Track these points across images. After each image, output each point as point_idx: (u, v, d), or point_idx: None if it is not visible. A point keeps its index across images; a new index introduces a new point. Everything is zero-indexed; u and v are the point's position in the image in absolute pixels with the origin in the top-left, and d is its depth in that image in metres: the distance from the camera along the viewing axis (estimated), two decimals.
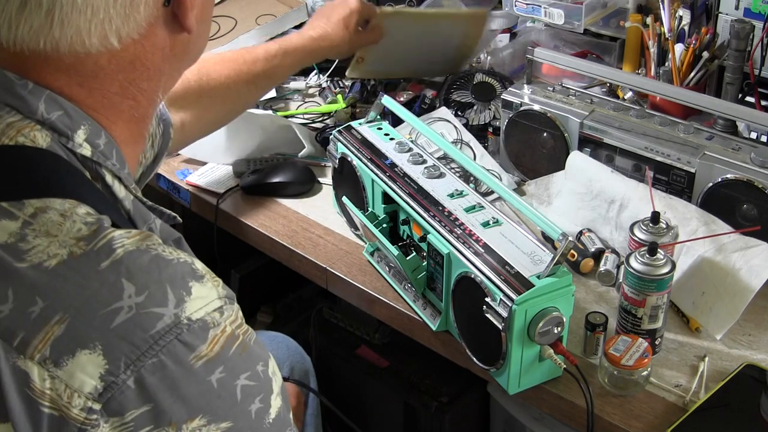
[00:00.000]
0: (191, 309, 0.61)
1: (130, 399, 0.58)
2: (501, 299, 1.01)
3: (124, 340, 0.58)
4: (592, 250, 1.28)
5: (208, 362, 0.61)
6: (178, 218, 0.83)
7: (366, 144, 1.32)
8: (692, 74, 1.51)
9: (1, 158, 0.66)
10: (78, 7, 0.66)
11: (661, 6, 1.55)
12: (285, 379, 1.30)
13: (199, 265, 0.66)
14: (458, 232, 1.11)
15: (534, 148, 1.46)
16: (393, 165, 1.26)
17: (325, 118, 1.75)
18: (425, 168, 1.23)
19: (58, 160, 0.67)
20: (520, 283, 1.01)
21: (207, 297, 0.63)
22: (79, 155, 0.70)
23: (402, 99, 1.72)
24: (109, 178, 0.72)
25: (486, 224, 1.12)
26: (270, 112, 1.75)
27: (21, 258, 0.60)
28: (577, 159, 1.36)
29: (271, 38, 1.88)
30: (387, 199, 1.26)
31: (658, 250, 1.08)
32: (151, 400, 0.59)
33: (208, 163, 1.61)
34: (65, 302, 0.59)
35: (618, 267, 1.24)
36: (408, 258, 1.19)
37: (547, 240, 1.24)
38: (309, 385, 1.42)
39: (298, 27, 1.91)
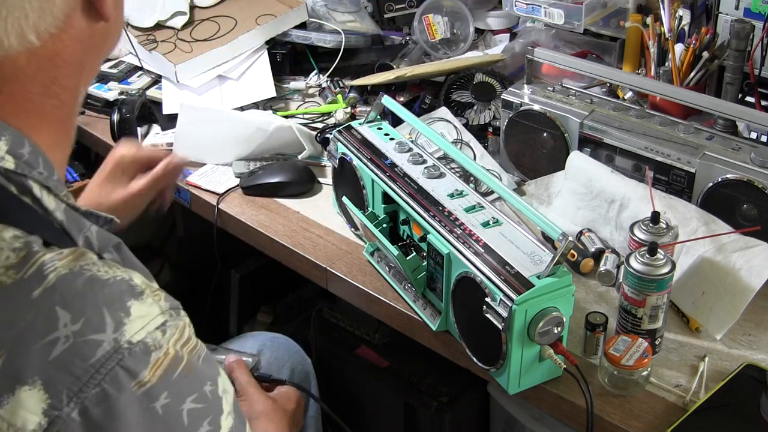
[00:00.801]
0: (131, 331, 0.59)
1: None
2: (501, 299, 1.01)
3: (64, 372, 0.56)
4: (592, 250, 1.28)
5: (152, 388, 0.59)
6: (116, 219, 0.78)
7: (366, 144, 1.32)
8: (692, 74, 1.51)
9: None
10: None
11: (661, 6, 1.55)
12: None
13: (138, 279, 0.63)
14: (458, 232, 1.11)
15: (534, 148, 1.46)
16: (393, 165, 1.26)
17: (325, 118, 1.75)
18: (425, 168, 1.23)
19: None
20: (520, 283, 1.01)
21: (147, 315, 0.61)
22: (2, 169, 0.65)
23: (402, 99, 1.72)
24: (36, 189, 0.67)
25: (486, 224, 1.12)
26: (270, 112, 1.75)
27: None
28: (577, 159, 1.36)
29: (272, 38, 1.89)
30: (387, 199, 1.26)
31: (658, 250, 1.08)
32: (97, 430, 0.57)
33: (208, 163, 1.61)
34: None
35: (618, 267, 1.24)
36: (408, 258, 1.19)
37: (547, 240, 1.24)
38: (309, 389, 1.42)
39: (299, 27, 1.91)
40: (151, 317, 0.61)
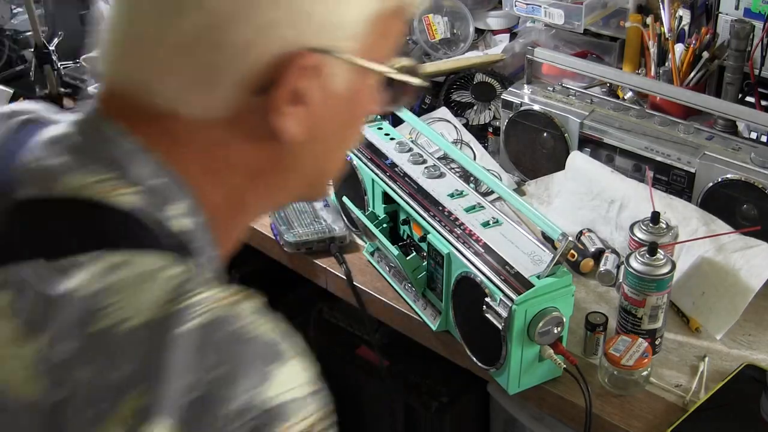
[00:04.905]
0: (275, 389, 0.55)
1: None
2: (501, 299, 1.01)
3: (198, 417, 0.53)
4: (592, 250, 1.28)
5: None
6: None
7: (366, 144, 1.32)
8: (692, 74, 1.51)
9: (81, 211, 0.59)
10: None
11: (661, 6, 1.55)
12: None
13: (285, 345, 0.58)
14: (458, 232, 1.11)
15: (534, 148, 1.46)
16: (393, 165, 1.26)
17: None
18: (425, 168, 1.23)
19: (143, 225, 0.60)
20: (520, 283, 1.01)
21: (289, 383, 0.56)
22: (167, 229, 0.61)
23: None
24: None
25: (486, 224, 1.12)
26: None
27: (95, 321, 0.54)
28: (577, 159, 1.36)
29: None
30: (387, 199, 1.26)
31: (658, 250, 1.08)
32: None
33: None
34: (143, 373, 0.53)
35: (618, 267, 1.24)
36: (408, 258, 1.19)
37: (547, 240, 1.24)
38: None
39: None
40: (291, 386, 0.56)
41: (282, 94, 0.58)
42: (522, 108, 1.44)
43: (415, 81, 0.67)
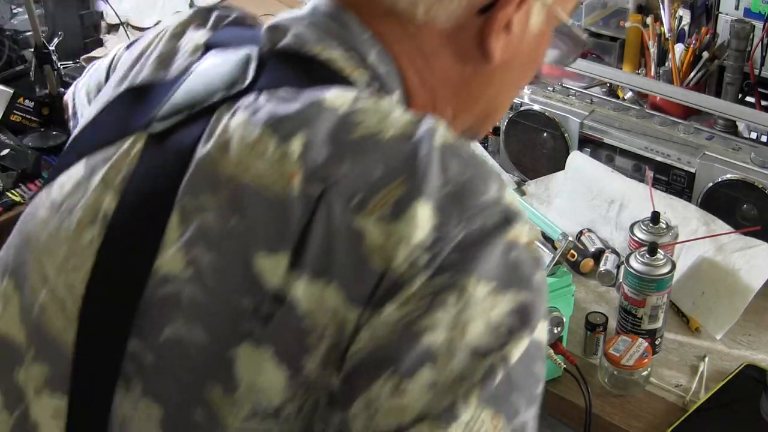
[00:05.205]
0: (510, 198, 0.62)
1: (450, 256, 0.58)
2: None
3: (455, 203, 0.59)
4: (592, 250, 1.28)
5: (514, 243, 0.60)
6: None
7: None
8: (692, 74, 1.51)
9: (327, 72, 0.67)
10: None
11: (661, 6, 1.55)
12: None
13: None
14: None
15: (534, 148, 1.46)
16: None
17: None
18: None
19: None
20: None
21: (516, 200, 0.63)
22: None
23: None
24: None
25: None
26: None
27: (352, 130, 0.61)
28: (577, 159, 1.36)
29: None
30: None
31: (658, 250, 1.08)
32: (462, 260, 0.59)
33: None
34: (402, 169, 0.60)
35: (618, 267, 1.24)
36: None
37: (547, 240, 1.24)
38: None
39: None
40: (520, 204, 0.63)
41: (501, 18, 0.65)
42: (522, 108, 1.44)
43: (584, 38, 0.75)
